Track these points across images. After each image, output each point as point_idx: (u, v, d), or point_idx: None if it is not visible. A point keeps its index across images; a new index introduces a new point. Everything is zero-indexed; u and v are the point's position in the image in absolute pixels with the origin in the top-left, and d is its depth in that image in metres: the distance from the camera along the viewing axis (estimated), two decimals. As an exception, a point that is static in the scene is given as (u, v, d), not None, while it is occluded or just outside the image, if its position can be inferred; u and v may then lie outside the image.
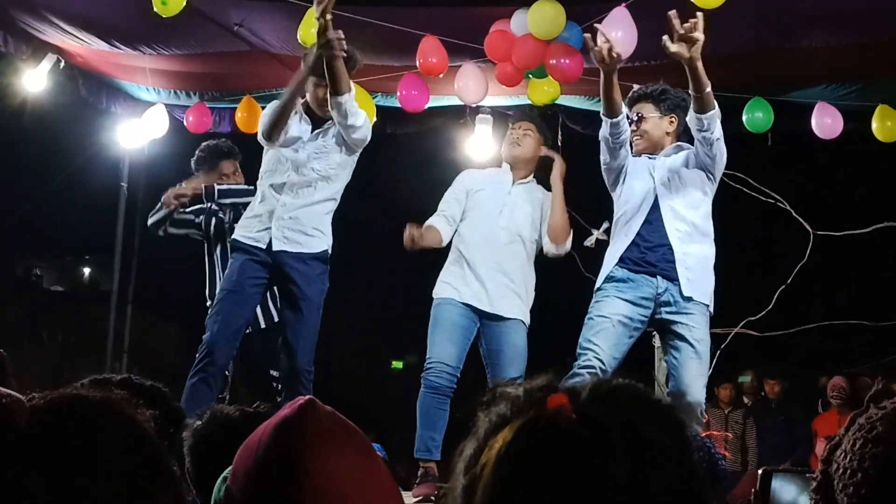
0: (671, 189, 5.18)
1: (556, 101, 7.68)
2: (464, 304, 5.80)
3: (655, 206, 5.17)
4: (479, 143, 8.50)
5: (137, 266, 9.69)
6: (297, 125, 5.63)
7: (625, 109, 5.24)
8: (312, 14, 6.51)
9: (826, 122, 7.79)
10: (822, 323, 8.81)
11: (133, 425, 1.34)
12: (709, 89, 4.93)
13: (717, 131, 5.03)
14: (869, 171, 9.99)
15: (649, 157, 5.31)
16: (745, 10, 6.46)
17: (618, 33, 6.42)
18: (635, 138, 5.29)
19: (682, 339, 5.02)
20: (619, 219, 5.30)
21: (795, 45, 7.03)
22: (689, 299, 5.04)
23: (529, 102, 7.64)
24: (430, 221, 5.98)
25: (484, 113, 8.55)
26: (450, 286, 5.87)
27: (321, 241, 5.59)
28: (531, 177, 6.09)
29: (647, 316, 5.09)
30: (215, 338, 5.43)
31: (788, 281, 8.47)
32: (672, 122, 5.27)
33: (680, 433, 1.11)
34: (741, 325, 8.46)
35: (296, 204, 5.53)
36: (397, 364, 16.55)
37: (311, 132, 5.62)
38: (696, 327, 5.04)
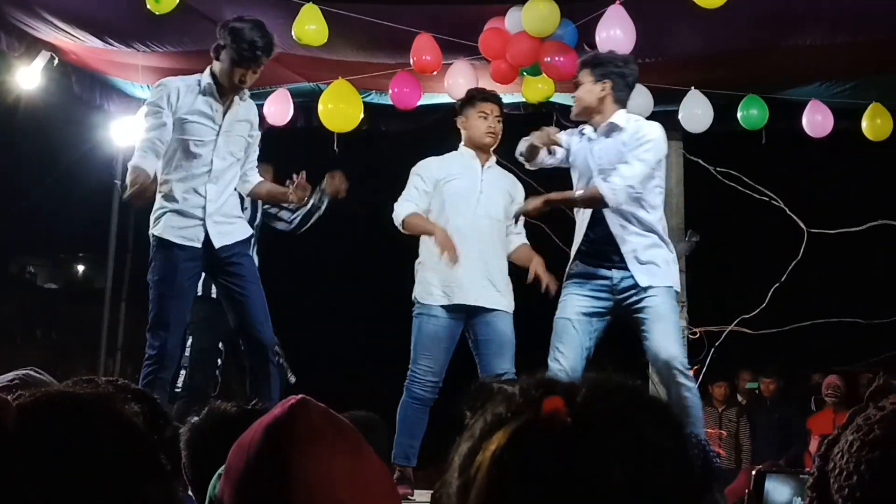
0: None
1: (551, 99, 7.68)
2: (449, 306, 5.71)
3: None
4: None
5: (131, 263, 9.68)
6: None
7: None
8: (306, 11, 6.53)
9: (817, 119, 7.80)
10: (816, 321, 8.83)
11: (123, 422, 1.32)
12: (584, 199, 5.25)
13: (625, 185, 5.11)
14: (864, 169, 10.01)
15: (587, 138, 5.38)
16: (741, 7, 6.47)
17: (616, 32, 6.44)
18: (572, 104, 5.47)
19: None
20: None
21: (790, 42, 7.04)
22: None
23: (524, 100, 7.65)
24: (415, 217, 5.79)
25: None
26: (426, 292, 5.75)
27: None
28: (493, 158, 5.96)
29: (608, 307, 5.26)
30: None
31: (782, 279, 8.49)
32: (603, 88, 5.28)
33: (678, 433, 1.10)
34: (735, 322, 8.47)
35: None
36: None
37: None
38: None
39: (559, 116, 8.20)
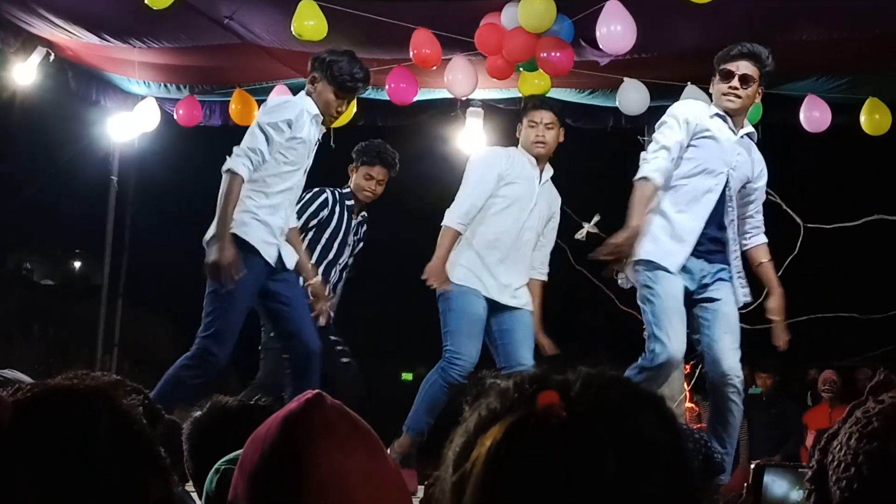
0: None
1: (547, 94, 7.67)
2: (484, 296, 5.68)
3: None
4: (469, 137, 8.50)
5: (128, 260, 9.68)
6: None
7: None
8: (304, 7, 6.52)
9: (814, 115, 7.80)
10: (812, 316, 8.83)
11: (122, 414, 1.31)
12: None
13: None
14: (860, 164, 10.02)
15: (728, 138, 5.12)
16: (738, 3, 6.48)
17: (616, 27, 6.43)
18: (731, 97, 5.06)
19: None
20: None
21: (786, 37, 7.04)
22: None
23: (520, 95, 7.64)
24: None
25: (475, 106, 8.54)
26: (473, 275, 5.67)
27: None
28: (549, 169, 5.91)
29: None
30: None
31: (779, 274, 8.48)
32: (760, 92, 5.19)
33: (671, 425, 1.11)
34: (732, 317, 8.46)
35: None
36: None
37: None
38: None
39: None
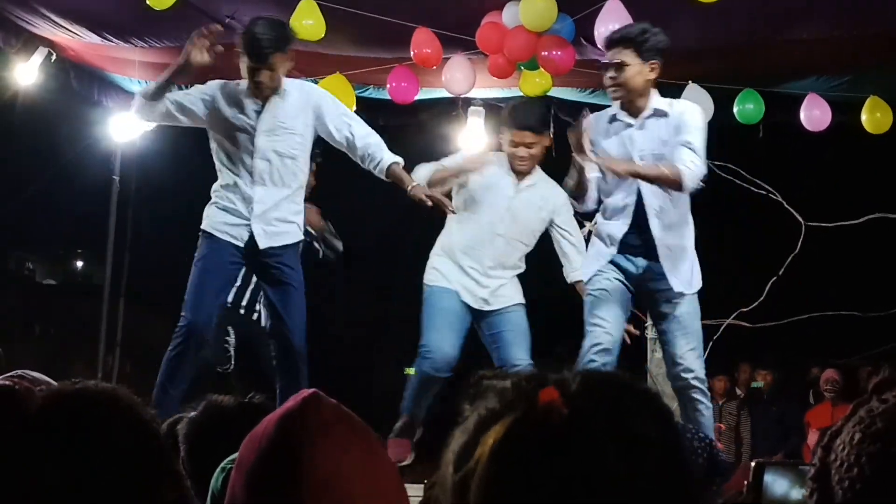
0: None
1: (548, 93, 7.67)
2: (457, 293, 5.69)
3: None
4: (471, 136, 8.50)
5: (130, 259, 9.69)
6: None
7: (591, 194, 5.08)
8: (304, 6, 6.52)
9: (815, 113, 7.80)
10: (813, 314, 8.83)
11: (141, 420, 1.35)
12: (657, 177, 4.88)
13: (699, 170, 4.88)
14: (861, 163, 10.01)
15: (623, 124, 5.06)
16: (737, 1, 6.48)
17: (615, 26, 6.43)
18: (612, 89, 5.00)
19: None
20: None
21: (787, 36, 7.05)
22: None
23: (521, 94, 7.64)
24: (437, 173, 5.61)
25: (476, 105, 8.54)
26: (445, 279, 5.70)
27: None
28: (536, 172, 5.78)
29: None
30: None
31: (780, 272, 8.49)
32: (653, 68, 4.95)
33: (668, 421, 1.13)
34: (733, 316, 8.48)
35: None
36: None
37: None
38: None
39: (556, 110, 8.20)
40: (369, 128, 5.43)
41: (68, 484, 1.22)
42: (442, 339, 5.62)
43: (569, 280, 5.77)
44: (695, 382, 4.96)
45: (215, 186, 5.43)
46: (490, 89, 8.11)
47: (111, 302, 9.47)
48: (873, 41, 6.96)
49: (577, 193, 5.07)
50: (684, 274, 5.05)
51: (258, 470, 1.49)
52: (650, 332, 7.89)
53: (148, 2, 6.26)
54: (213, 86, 5.38)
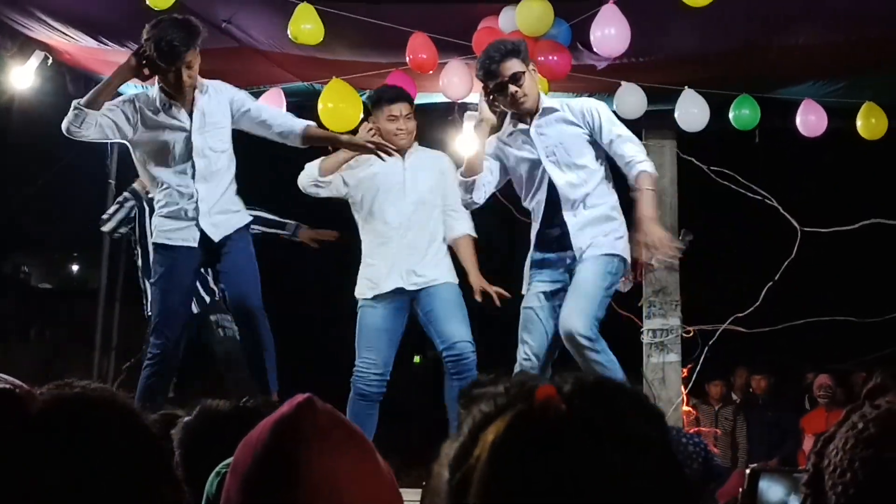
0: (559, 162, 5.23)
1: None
2: (381, 296, 5.71)
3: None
4: (467, 141, 8.48)
5: (125, 263, 9.66)
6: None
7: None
8: (301, 10, 6.52)
9: (811, 119, 7.81)
10: (809, 319, 8.84)
11: (139, 424, 1.35)
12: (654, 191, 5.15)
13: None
14: (857, 168, 10.02)
15: (519, 131, 5.28)
16: (733, 7, 6.48)
17: (610, 30, 6.44)
18: (520, 99, 5.14)
19: None
20: None
21: (782, 42, 7.05)
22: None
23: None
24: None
25: (472, 110, 8.53)
26: (368, 283, 5.78)
27: None
28: (416, 145, 5.97)
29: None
30: None
31: (776, 277, 8.51)
32: (534, 69, 5.25)
33: (660, 423, 1.15)
34: (729, 321, 8.49)
35: None
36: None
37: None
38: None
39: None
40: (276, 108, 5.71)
41: (68, 486, 1.23)
42: (370, 354, 5.70)
43: (448, 240, 5.90)
44: (581, 341, 4.93)
45: (156, 197, 5.53)
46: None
47: (107, 306, 9.44)
48: (869, 46, 6.97)
49: (469, 174, 5.30)
50: (598, 240, 5.14)
51: (253, 474, 1.49)
52: (646, 338, 7.90)
53: (148, 2, 6.25)
54: (123, 101, 5.48)
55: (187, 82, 5.28)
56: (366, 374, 5.66)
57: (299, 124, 5.56)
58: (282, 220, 7.08)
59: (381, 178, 5.80)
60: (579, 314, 4.97)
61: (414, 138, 5.92)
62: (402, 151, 5.78)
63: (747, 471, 3.70)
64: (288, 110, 7.88)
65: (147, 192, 6.84)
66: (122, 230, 7.34)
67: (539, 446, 1.06)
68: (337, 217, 6.40)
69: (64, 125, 5.38)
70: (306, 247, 7.05)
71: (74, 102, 5.36)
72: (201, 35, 5.32)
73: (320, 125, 7.47)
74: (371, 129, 5.80)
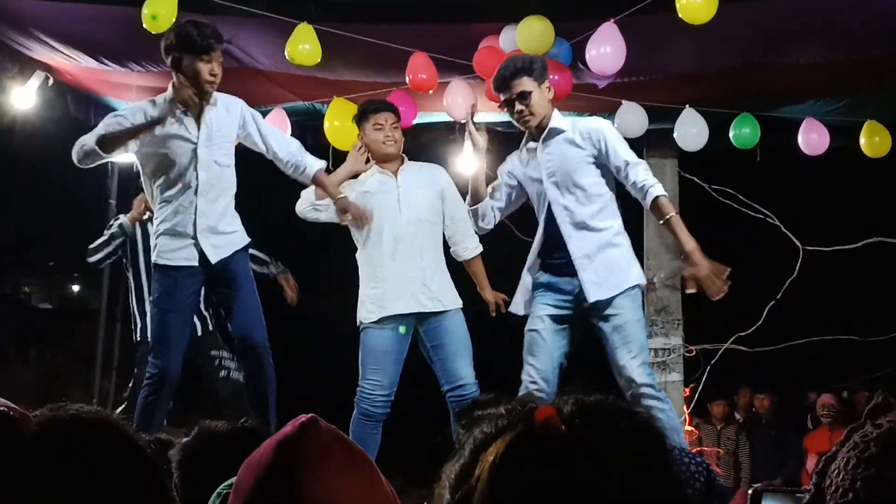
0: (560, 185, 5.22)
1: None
2: (388, 318, 5.66)
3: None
4: (468, 160, 8.48)
5: (126, 284, 9.66)
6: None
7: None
8: (300, 31, 6.53)
9: (812, 138, 7.82)
10: (811, 338, 8.83)
11: (134, 446, 1.35)
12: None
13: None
14: (859, 187, 10.02)
15: (525, 150, 5.32)
16: (733, 25, 6.49)
17: (606, 48, 6.45)
18: (525, 118, 5.17)
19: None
20: None
21: (783, 60, 7.06)
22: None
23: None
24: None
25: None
26: (376, 306, 5.71)
27: None
28: (407, 161, 5.91)
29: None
30: None
31: (778, 296, 8.50)
32: (550, 89, 5.23)
33: (661, 443, 1.15)
34: (731, 340, 8.47)
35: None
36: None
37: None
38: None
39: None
40: (287, 136, 5.77)
41: None
42: (375, 376, 5.66)
43: (461, 259, 5.94)
44: (644, 390, 4.95)
45: (156, 214, 5.47)
46: (487, 113, 8.11)
47: (107, 326, 9.44)
48: (870, 65, 6.97)
49: (474, 202, 5.44)
50: (607, 277, 5.11)
51: (256, 495, 1.48)
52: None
53: (146, 26, 6.25)
54: (143, 106, 5.41)
55: (210, 80, 5.22)
56: (372, 396, 5.62)
57: (312, 163, 5.60)
58: (266, 258, 7.08)
59: (372, 198, 5.75)
60: (640, 365, 5.00)
61: (402, 150, 5.87)
62: (392, 165, 5.79)
63: (750, 491, 3.67)
64: (290, 129, 7.91)
65: (141, 215, 6.84)
66: (108, 262, 7.44)
67: (539, 467, 1.06)
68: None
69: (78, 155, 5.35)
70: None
71: (92, 139, 5.29)
72: (222, 42, 5.34)
73: (325, 143, 7.50)
74: (360, 148, 5.80)
